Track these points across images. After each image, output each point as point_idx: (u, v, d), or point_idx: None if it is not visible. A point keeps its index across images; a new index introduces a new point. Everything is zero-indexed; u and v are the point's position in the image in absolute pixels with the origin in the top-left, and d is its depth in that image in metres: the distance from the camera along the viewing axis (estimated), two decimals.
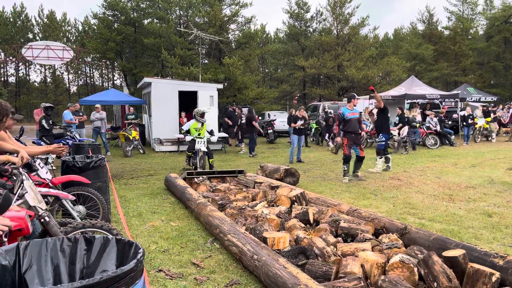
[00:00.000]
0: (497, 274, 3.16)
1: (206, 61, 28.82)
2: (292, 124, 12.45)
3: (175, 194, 7.16)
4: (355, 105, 8.92)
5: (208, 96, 16.37)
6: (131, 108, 16.74)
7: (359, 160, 8.90)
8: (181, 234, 5.00)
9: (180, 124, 16.42)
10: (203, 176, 8.11)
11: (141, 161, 12.60)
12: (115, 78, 52.43)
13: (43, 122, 9.98)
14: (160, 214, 6.01)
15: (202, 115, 10.09)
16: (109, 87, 43.25)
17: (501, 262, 3.28)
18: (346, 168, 8.65)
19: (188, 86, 17.02)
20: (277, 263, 3.30)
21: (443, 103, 21.29)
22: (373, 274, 3.49)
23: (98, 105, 14.89)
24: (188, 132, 10.15)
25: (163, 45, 26.38)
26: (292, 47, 35.31)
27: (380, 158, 9.64)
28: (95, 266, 1.80)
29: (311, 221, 5.07)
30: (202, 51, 27.74)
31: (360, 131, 8.91)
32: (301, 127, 12.33)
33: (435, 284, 3.24)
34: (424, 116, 17.52)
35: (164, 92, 15.93)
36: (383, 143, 9.70)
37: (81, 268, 1.81)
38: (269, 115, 23.14)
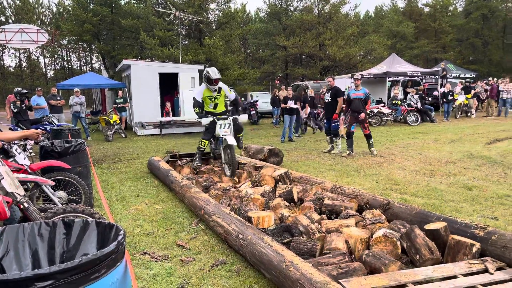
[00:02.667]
0: (478, 245, 3.24)
1: (186, 42, 28.31)
2: (283, 105, 12.73)
3: (158, 177, 7.10)
4: (357, 85, 9.30)
5: (189, 78, 16.15)
6: (120, 92, 16.36)
7: (367, 137, 9.22)
8: (166, 217, 4.97)
9: (162, 111, 16.17)
10: (187, 158, 8.05)
11: (123, 145, 12.43)
12: (93, 61, 51.18)
13: (12, 106, 9.77)
14: (144, 198, 5.96)
15: (214, 81, 6.77)
16: (87, 71, 42.24)
17: (481, 233, 3.36)
18: (349, 143, 9.30)
19: (168, 68, 16.74)
20: (262, 242, 3.31)
21: (424, 81, 21.50)
22: (357, 249, 3.54)
23: (77, 89, 14.53)
24: (201, 106, 6.93)
25: (142, 26, 25.75)
26: (273, 27, 34.96)
27: (338, 139, 9.74)
28: (76, 250, 1.77)
29: (296, 199, 5.09)
30: (182, 32, 27.20)
31: (361, 110, 9.15)
32: (293, 106, 12.37)
33: (418, 256, 3.30)
34: (405, 94, 17.69)
35: (144, 75, 15.64)
36: (338, 123, 9.85)
37: (61, 252, 1.77)
38: (251, 96, 23.00)
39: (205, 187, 5.87)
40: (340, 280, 2.81)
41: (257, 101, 20.79)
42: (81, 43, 36.02)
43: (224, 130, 6.65)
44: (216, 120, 6.70)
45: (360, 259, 3.34)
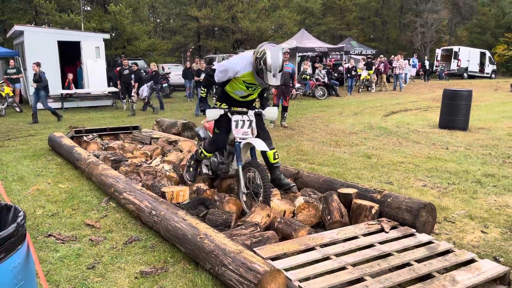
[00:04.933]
0: (376, 206, 3.58)
1: (88, 8, 26.12)
2: (196, 78, 12.84)
3: (61, 154, 6.60)
4: (285, 60, 9.44)
5: (93, 47, 15.02)
6: (12, 61, 14.60)
7: (283, 109, 9.62)
8: (72, 196, 4.67)
9: (63, 83, 14.77)
10: (93, 134, 7.57)
11: (19, 121, 11.28)
12: None
13: None
14: (46, 177, 5.51)
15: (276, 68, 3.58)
16: None
17: (379, 197, 3.71)
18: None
19: (69, 35, 15.34)
20: (176, 216, 3.28)
21: (330, 56, 22.61)
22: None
23: None
24: (211, 85, 4.19)
25: None
26: None
27: None
28: None
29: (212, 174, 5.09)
30: None
31: (290, 84, 9.51)
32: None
33: (329, 217, 3.57)
34: (314, 69, 18.46)
35: (40, 42, 14.17)
36: None
37: None
38: (163, 68, 22.19)
39: (114, 162, 5.61)
40: (254, 249, 2.92)
41: (169, 73, 20.15)
42: None
43: (243, 130, 3.97)
44: (228, 114, 3.97)
45: (273, 227, 3.49)
